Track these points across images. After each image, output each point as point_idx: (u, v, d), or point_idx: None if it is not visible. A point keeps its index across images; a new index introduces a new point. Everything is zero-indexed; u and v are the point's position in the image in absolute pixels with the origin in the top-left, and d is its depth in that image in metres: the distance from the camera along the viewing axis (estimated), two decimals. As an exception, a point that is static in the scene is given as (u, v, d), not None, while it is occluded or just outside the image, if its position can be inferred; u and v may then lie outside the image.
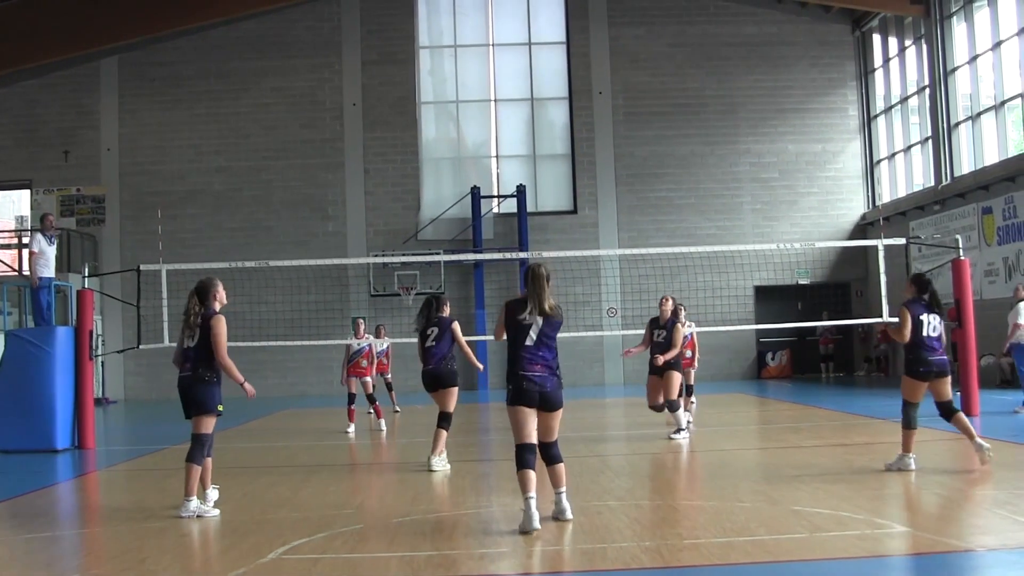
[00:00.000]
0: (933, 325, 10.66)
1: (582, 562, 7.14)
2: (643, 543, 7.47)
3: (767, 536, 7.63)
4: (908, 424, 10.68)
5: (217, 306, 9.57)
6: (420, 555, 7.43)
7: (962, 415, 10.79)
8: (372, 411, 18.15)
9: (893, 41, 29.76)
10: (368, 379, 17.88)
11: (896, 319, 11.21)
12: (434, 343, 12.20)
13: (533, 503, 8.04)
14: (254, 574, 6.99)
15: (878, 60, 30.75)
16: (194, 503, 9.21)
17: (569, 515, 8.33)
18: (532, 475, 8.13)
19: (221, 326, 9.38)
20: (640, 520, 8.41)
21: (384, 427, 17.48)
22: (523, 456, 8.21)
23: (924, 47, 27.17)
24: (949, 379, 10.77)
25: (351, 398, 17.68)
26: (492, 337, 12.34)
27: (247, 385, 9.44)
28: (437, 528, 8.39)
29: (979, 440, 10.55)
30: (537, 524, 7.97)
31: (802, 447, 12.66)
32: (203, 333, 9.38)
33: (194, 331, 9.44)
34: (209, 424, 9.38)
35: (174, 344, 18.06)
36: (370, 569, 7.16)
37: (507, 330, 8.52)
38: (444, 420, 12.06)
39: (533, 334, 8.39)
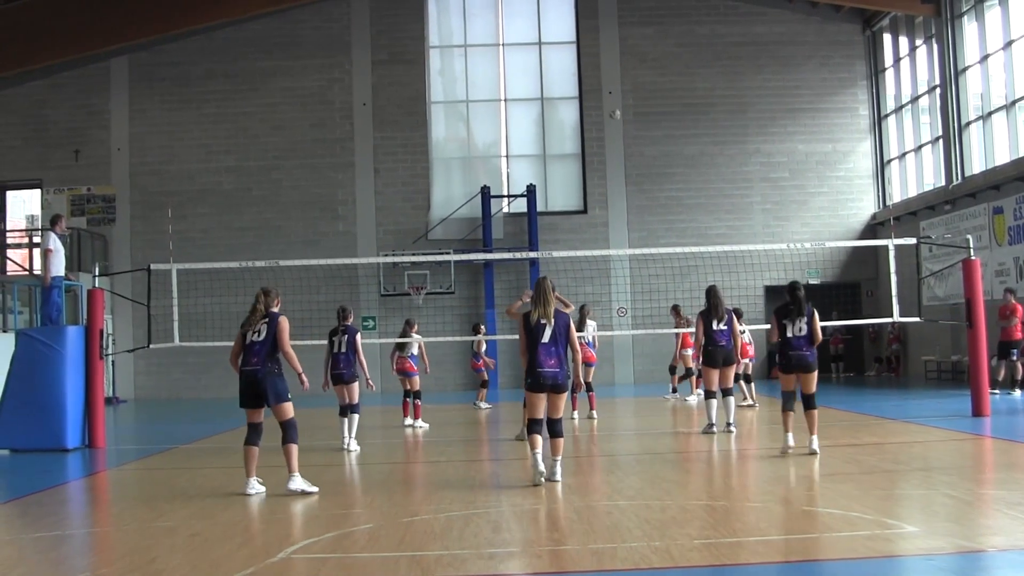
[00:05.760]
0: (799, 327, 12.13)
1: (592, 562, 7.12)
2: (653, 543, 7.45)
3: (777, 536, 7.63)
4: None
5: (277, 309, 10.77)
6: (430, 555, 7.44)
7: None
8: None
9: (904, 40, 29.67)
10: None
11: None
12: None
13: (538, 455, 10.36)
14: (263, 573, 6.99)
15: (888, 60, 30.66)
16: (298, 479, 10.32)
17: (558, 477, 10.39)
18: (538, 438, 10.46)
19: (286, 323, 10.60)
20: (650, 520, 8.40)
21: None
22: (532, 426, 10.52)
23: (935, 46, 27.08)
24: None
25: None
26: (500, 337, 13.95)
27: (304, 376, 10.89)
28: (447, 527, 8.38)
29: (815, 438, 11.98)
30: (542, 468, 10.27)
31: (812, 447, 12.61)
32: (269, 330, 10.50)
33: (259, 328, 10.53)
34: (291, 409, 10.55)
35: (184, 343, 18.36)
36: (380, 569, 7.17)
37: (526, 333, 10.52)
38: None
39: (547, 333, 10.44)
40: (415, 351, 17.91)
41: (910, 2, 27.38)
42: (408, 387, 17.85)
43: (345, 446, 14.25)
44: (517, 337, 14.50)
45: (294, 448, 10.44)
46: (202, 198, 30.64)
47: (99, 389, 16.15)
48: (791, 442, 11.98)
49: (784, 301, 12.49)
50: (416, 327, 18.41)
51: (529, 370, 10.46)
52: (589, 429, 16.43)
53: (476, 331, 21.72)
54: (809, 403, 11.98)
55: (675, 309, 21.97)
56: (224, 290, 23.09)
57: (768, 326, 13.89)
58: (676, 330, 21.04)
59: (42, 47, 28.70)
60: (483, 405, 21.19)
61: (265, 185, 30.79)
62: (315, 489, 10.30)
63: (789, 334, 12.17)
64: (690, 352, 21.13)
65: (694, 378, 21.08)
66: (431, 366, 19.24)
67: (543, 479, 10.27)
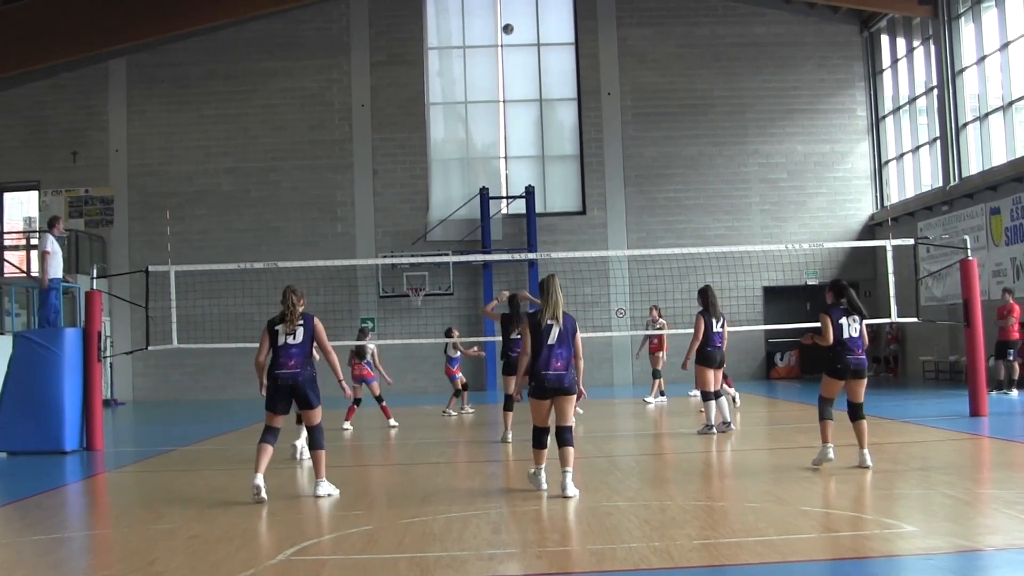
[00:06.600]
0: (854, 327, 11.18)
1: (592, 563, 7.13)
2: (652, 544, 7.46)
3: (776, 536, 7.63)
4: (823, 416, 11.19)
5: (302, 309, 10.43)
6: (429, 556, 7.44)
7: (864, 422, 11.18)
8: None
9: (901, 42, 29.70)
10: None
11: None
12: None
13: (543, 471, 10.06)
14: (263, 575, 7.00)
15: (886, 61, 30.69)
16: (325, 484, 10.18)
17: (571, 492, 9.56)
18: (544, 452, 10.08)
19: (322, 326, 10.44)
20: (649, 521, 8.41)
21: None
22: (538, 437, 10.06)
23: (932, 48, 27.11)
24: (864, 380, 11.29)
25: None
26: (502, 338, 13.69)
27: (345, 384, 10.90)
28: (446, 529, 8.39)
29: (866, 452, 11.03)
30: (545, 486, 9.94)
31: (811, 447, 12.62)
32: (306, 333, 10.23)
33: (295, 330, 10.21)
34: (320, 414, 10.38)
35: (182, 345, 18.35)
36: (379, 570, 7.17)
37: (532, 335, 9.96)
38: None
39: (554, 334, 9.89)
40: (369, 358, 17.95)
41: (908, 3, 27.41)
42: (359, 395, 17.89)
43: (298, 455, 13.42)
44: (514, 337, 14.47)
45: (323, 454, 10.34)
46: (201, 199, 30.62)
47: (97, 391, 16.14)
48: (831, 454, 11.01)
49: (833, 301, 11.59)
50: (370, 335, 18.56)
51: (533, 374, 9.86)
52: (584, 431, 16.40)
53: (448, 335, 20.71)
54: (859, 413, 11.15)
55: (656, 309, 22.11)
56: (223, 292, 23.09)
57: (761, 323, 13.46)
58: (673, 331, 21.03)
59: (41, 48, 28.71)
60: (452, 412, 20.40)
61: (264, 186, 30.77)
62: (337, 491, 10.25)
63: (845, 335, 11.18)
64: (662, 354, 21.38)
65: (659, 381, 21.58)
66: (434, 368, 19.32)
67: (546, 487, 9.96)
